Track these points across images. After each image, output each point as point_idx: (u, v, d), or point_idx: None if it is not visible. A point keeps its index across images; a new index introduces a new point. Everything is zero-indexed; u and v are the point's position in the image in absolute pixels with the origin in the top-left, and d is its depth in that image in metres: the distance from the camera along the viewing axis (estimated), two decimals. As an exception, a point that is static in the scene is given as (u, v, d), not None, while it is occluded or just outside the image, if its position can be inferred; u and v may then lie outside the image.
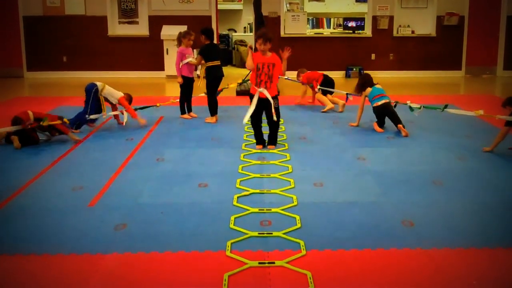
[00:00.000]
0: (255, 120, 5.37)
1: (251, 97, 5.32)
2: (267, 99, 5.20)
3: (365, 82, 6.52)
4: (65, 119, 5.72)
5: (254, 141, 5.50)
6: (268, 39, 5.14)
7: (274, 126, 5.37)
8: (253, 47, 5.30)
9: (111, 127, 6.41)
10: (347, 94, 7.18)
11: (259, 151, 5.30)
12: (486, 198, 4.00)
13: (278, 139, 5.52)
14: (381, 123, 6.31)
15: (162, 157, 5.13)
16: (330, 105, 7.34)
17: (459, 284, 2.76)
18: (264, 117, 5.38)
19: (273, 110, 5.18)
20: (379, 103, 6.24)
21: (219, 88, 6.94)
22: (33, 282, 2.81)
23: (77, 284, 2.78)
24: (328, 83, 7.61)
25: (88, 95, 6.18)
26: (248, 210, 3.73)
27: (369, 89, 6.43)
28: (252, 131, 5.53)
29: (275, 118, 5.20)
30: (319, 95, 7.55)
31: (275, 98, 5.26)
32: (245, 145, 5.52)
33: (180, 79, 6.82)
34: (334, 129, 6.35)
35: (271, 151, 5.27)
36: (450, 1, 11.57)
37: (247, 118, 5.26)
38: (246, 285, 2.76)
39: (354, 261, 2.99)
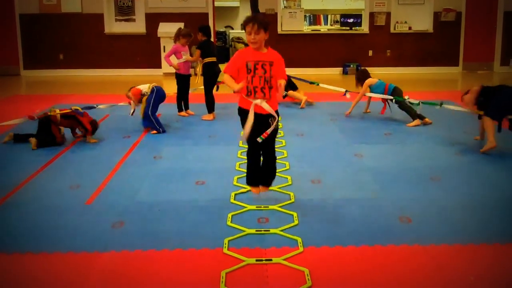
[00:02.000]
0: (252, 148, 3.59)
1: (242, 114, 3.50)
2: (266, 115, 3.43)
3: (361, 75, 6.77)
4: (76, 107, 5.67)
5: None
6: (261, 24, 3.31)
7: (270, 157, 3.67)
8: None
9: (108, 125, 6.38)
10: (346, 91, 7.17)
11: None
12: (484, 194, 3.99)
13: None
14: None
15: (159, 155, 5.12)
16: (304, 98, 7.47)
17: (457, 280, 2.75)
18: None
19: (270, 130, 3.42)
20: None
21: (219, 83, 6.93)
22: (31, 280, 2.80)
23: (74, 282, 2.77)
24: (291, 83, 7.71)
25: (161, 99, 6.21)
26: (246, 207, 3.72)
27: (375, 80, 6.46)
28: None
29: (259, 139, 3.40)
30: (292, 92, 7.66)
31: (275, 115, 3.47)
32: (242, 142, 5.51)
33: (177, 66, 6.77)
34: (331, 126, 6.34)
35: None
36: (447, -3, 11.60)
37: (246, 136, 3.43)
38: (243, 282, 2.75)
39: (352, 258, 2.99)
